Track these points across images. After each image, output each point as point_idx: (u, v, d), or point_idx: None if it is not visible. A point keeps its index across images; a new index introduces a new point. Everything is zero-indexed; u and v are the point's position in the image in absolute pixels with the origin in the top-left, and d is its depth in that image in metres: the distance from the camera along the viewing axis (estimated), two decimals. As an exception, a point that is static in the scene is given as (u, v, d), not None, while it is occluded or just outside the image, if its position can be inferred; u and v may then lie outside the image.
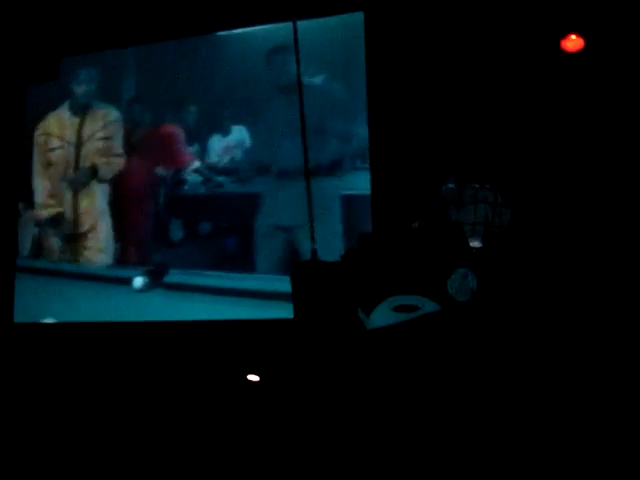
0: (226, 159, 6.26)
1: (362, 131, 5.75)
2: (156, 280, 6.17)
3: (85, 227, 6.54)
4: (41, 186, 6.74)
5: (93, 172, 6.58)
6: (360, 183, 5.70)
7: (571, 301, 4.19)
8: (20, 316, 6.43)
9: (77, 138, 6.63)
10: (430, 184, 4.99)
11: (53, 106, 6.83)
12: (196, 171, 6.32)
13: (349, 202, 5.78)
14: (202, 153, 6.37)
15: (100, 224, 6.48)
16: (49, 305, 6.40)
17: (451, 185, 4.50)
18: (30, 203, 6.74)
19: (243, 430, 5.06)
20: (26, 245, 6.67)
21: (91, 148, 6.62)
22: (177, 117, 6.47)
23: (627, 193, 4.81)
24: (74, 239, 6.55)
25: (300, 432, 4.24)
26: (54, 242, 6.62)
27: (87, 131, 6.61)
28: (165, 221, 6.35)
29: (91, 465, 5.19)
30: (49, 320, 6.36)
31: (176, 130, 6.43)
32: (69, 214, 6.56)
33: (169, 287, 6.15)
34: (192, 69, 6.48)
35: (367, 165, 5.74)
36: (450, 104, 5.27)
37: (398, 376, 3.90)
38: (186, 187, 6.34)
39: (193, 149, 6.39)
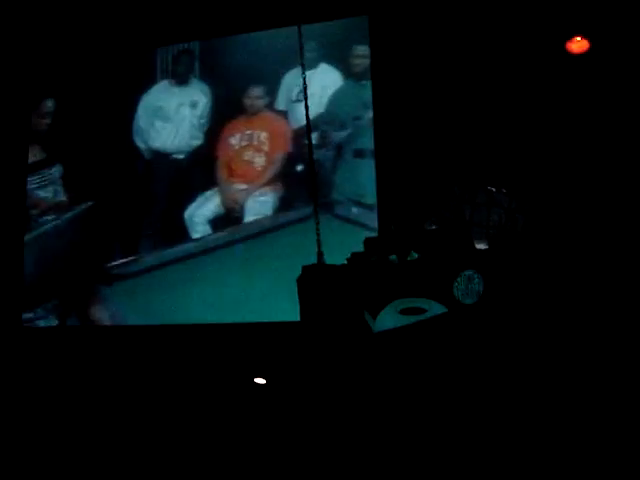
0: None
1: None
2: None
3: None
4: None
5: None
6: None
7: (576, 303, 4.25)
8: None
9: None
10: (435, 186, 5.06)
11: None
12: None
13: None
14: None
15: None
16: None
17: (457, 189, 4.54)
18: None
19: (250, 432, 5.12)
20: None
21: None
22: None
23: (636, 193, 4.85)
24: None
25: (306, 434, 4.40)
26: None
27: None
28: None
29: (98, 467, 5.27)
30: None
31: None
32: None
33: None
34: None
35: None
36: (455, 106, 5.30)
37: (404, 378, 3.96)
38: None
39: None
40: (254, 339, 5.62)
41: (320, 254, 4.27)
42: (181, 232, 6.67)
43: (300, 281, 4.11)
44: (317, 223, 4.55)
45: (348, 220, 6.09)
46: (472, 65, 5.27)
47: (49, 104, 7.21)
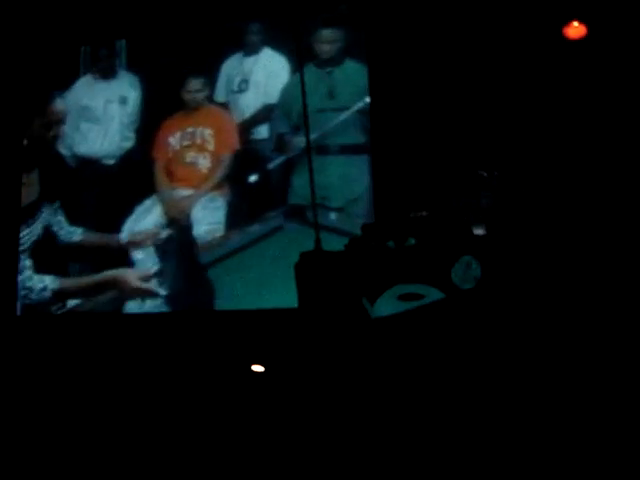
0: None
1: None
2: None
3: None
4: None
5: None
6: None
7: (573, 288, 4.20)
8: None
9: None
10: (431, 173, 5.10)
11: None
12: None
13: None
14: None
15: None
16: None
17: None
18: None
19: (248, 420, 5.12)
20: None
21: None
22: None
23: (633, 181, 4.90)
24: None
25: (305, 420, 4.40)
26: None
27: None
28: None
29: (95, 459, 5.27)
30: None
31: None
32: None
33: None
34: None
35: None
36: (451, 93, 5.28)
37: (403, 365, 3.94)
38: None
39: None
40: (252, 326, 5.46)
41: (318, 240, 4.20)
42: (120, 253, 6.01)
43: (298, 267, 4.09)
44: (314, 208, 4.54)
45: (327, 228, 5.34)
46: (467, 52, 5.27)
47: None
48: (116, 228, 6.07)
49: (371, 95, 5.66)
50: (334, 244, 4.20)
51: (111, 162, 6.20)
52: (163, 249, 6.00)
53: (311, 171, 4.44)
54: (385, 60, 5.57)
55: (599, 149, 4.93)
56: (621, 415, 3.96)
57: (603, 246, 4.61)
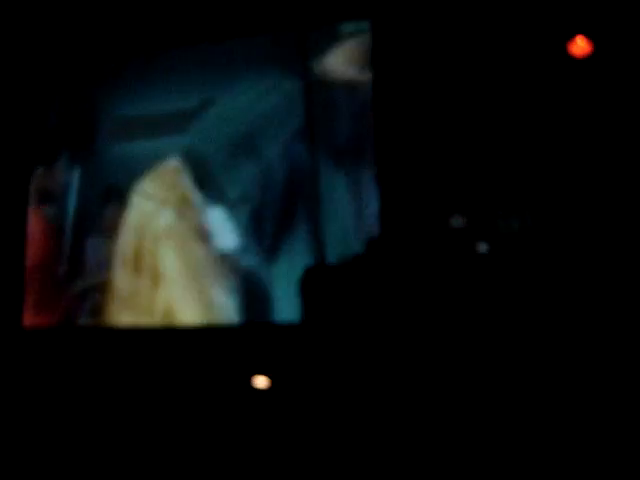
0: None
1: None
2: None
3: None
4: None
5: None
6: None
7: (572, 301, 4.29)
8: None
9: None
10: (438, 189, 5.08)
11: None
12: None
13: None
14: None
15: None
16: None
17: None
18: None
19: (251, 437, 5.07)
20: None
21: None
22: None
23: (635, 201, 4.81)
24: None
25: (309, 438, 4.27)
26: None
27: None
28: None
29: (96, 470, 5.24)
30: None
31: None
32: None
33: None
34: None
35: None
36: (456, 110, 5.21)
37: (407, 379, 3.98)
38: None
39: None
40: (254, 340, 5.57)
41: (321, 254, 4.37)
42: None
43: (301, 282, 4.14)
44: (317, 224, 4.63)
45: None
46: (472, 69, 5.19)
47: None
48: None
49: (374, 105, 5.62)
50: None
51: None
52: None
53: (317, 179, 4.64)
54: (392, 72, 5.53)
55: (607, 170, 4.83)
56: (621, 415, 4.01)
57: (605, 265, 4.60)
